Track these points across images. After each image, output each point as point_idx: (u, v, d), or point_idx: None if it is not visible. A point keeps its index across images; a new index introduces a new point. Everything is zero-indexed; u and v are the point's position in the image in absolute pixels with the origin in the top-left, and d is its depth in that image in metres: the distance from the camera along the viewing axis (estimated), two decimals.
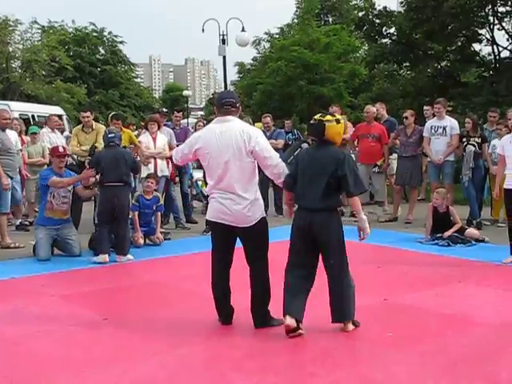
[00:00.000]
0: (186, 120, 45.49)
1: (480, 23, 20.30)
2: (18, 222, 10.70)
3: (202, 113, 71.70)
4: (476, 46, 21.40)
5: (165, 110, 12.64)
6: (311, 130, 5.31)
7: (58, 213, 8.67)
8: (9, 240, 9.36)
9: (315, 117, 5.27)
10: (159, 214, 9.61)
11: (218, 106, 5.35)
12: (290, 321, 5.08)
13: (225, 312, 5.54)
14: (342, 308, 5.18)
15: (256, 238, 5.32)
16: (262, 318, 5.40)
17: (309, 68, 23.59)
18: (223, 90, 23.63)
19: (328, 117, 5.23)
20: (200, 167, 11.29)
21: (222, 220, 5.29)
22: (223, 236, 5.38)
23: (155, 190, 9.66)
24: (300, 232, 5.16)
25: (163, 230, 9.94)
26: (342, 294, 5.15)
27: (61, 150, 8.84)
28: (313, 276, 5.21)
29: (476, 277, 7.20)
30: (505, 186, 7.86)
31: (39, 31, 40.20)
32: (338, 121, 5.21)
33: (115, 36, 50.16)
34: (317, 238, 5.09)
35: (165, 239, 9.63)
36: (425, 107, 12.36)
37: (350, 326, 5.21)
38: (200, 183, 12.40)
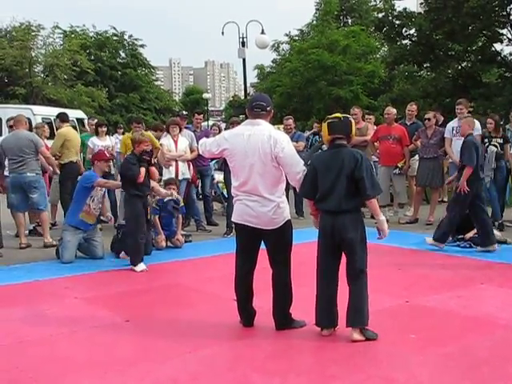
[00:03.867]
0: (205, 123, 45.73)
1: (501, 23, 20.17)
2: (31, 227, 10.66)
3: (222, 116, 71.97)
4: (497, 46, 21.29)
5: (185, 112, 12.69)
6: (339, 127, 5.18)
7: (92, 217, 8.76)
8: (50, 239, 9.49)
9: (335, 115, 5.28)
10: (180, 216, 9.64)
11: (249, 108, 5.38)
12: (327, 332, 5.21)
13: (247, 314, 5.56)
14: (360, 312, 5.06)
15: (280, 240, 5.34)
16: (283, 320, 5.42)
17: (327, 69, 23.55)
18: (243, 92, 23.66)
19: (336, 115, 5.30)
20: (221, 169, 11.35)
21: (248, 222, 5.32)
22: (248, 238, 5.40)
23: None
24: (325, 235, 5.17)
25: (184, 233, 9.97)
26: (361, 295, 5.10)
27: (107, 154, 8.99)
28: (337, 280, 5.21)
29: (498, 279, 7.15)
30: None
31: (61, 36, 40.64)
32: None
33: (135, 39, 50.49)
34: (340, 241, 5.09)
35: (186, 241, 9.67)
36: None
37: (360, 336, 5.03)
38: (221, 185, 12.45)
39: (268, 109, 5.34)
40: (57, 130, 11.72)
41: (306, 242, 6.50)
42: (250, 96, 24.04)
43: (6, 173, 9.84)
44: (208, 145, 5.60)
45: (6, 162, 9.75)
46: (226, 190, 12.80)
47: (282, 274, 5.38)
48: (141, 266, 7.92)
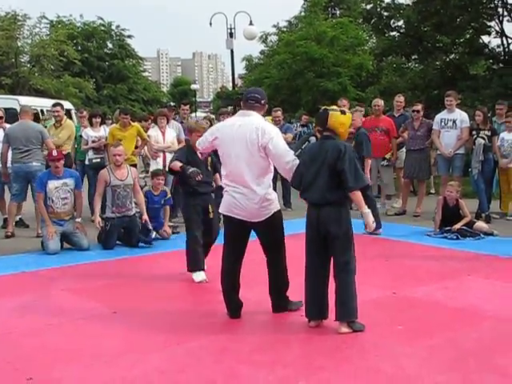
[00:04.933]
0: (193, 114, 45.61)
1: (489, 15, 20.15)
2: (17, 218, 10.55)
3: (210, 108, 71.83)
4: (485, 39, 21.28)
5: (172, 104, 12.64)
6: (318, 119, 5.34)
7: (62, 214, 8.77)
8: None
9: (323, 107, 5.34)
10: (167, 207, 9.63)
11: (244, 100, 5.50)
12: (314, 323, 5.22)
13: (234, 305, 5.58)
14: (345, 305, 5.05)
15: (270, 231, 5.42)
16: (280, 302, 5.58)
17: (315, 61, 23.52)
18: (231, 83, 23.63)
19: (334, 107, 5.34)
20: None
21: (235, 214, 5.36)
22: (235, 230, 5.44)
23: (164, 185, 9.68)
24: (311, 227, 5.17)
25: (171, 224, 9.95)
26: (346, 289, 5.05)
27: (54, 153, 8.82)
28: (328, 271, 5.19)
29: (485, 270, 7.18)
30: None
31: (47, 26, 40.31)
32: (343, 112, 5.23)
33: (123, 30, 50.30)
34: (326, 233, 5.07)
35: (173, 233, 9.65)
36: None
37: (347, 329, 5.03)
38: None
39: (262, 102, 5.44)
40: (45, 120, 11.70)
41: (294, 233, 6.51)
42: (239, 88, 23.99)
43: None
44: (203, 137, 5.74)
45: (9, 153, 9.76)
46: None
47: (276, 260, 5.50)
48: (198, 276, 6.82)
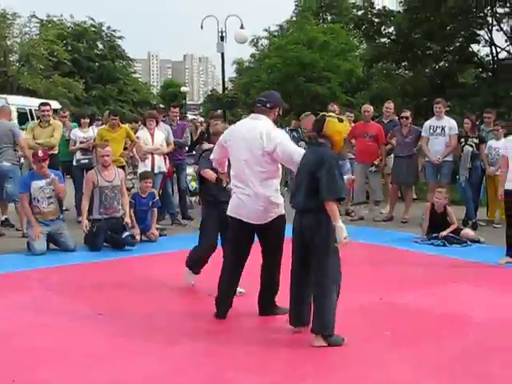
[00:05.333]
0: (187, 116, 45.54)
1: (478, 24, 20.28)
2: (3, 218, 10.44)
3: (200, 110, 71.70)
4: (474, 47, 21.38)
5: (162, 106, 12.61)
6: (314, 123, 5.30)
7: (48, 215, 8.72)
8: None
9: (322, 113, 5.34)
10: (155, 210, 9.60)
11: (254, 103, 5.63)
12: (297, 330, 5.19)
13: (224, 307, 5.59)
14: (319, 318, 4.93)
15: (270, 235, 5.46)
16: (267, 307, 5.60)
17: (306, 66, 23.56)
18: (221, 86, 23.63)
19: (332, 113, 5.34)
20: (196, 163, 11.29)
21: (239, 216, 5.42)
22: (239, 231, 5.48)
23: (152, 187, 9.65)
24: (295, 234, 5.15)
25: (159, 227, 9.92)
26: (322, 300, 4.92)
27: (40, 154, 8.74)
28: (308, 279, 5.11)
29: (471, 277, 7.20)
30: (506, 187, 7.85)
31: (37, 25, 40.07)
32: (340, 120, 5.19)
33: (114, 31, 50.10)
34: (308, 240, 5.01)
35: (160, 235, 9.62)
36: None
37: (321, 342, 4.89)
38: (189, 178, 12.46)
39: (268, 105, 5.44)
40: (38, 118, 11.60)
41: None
42: (229, 91, 23.98)
43: None
44: (215, 147, 5.82)
45: None
46: (194, 183, 12.80)
47: (271, 264, 5.53)
48: (189, 277, 6.77)
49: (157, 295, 6.48)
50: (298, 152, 5.24)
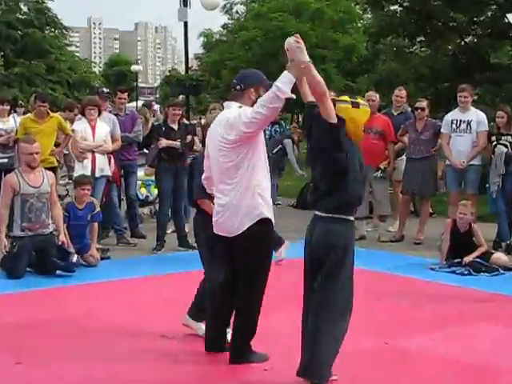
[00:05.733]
0: (133, 103, 45.46)
1: None
2: None
3: (155, 95, 71.68)
4: (511, 17, 21.57)
5: (106, 90, 12.61)
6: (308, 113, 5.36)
7: None
8: None
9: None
10: (95, 225, 9.58)
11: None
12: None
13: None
14: (310, 361, 4.99)
15: (243, 252, 5.53)
16: (238, 351, 5.63)
17: None
18: (183, 65, 23.64)
19: (344, 97, 5.32)
20: (152, 165, 11.29)
21: (216, 228, 5.62)
22: (218, 248, 5.68)
23: (91, 195, 9.63)
24: (306, 249, 5.25)
25: (100, 247, 9.90)
26: (319, 339, 4.99)
27: None
28: None
29: (504, 316, 7.26)
30: None
31: None
32: (355, 104, 5.22)
33: None
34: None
35: (102, 258, 9.60)
36: None
37: None
38: (139, 183, 12.49)
39: (238, 87, 5.62)
40: None
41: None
42: (194, 71, 23.99)
43: None
44: (205, 158, 5.88)
45: None
46: (145, 190, 12.80)
47: (245, 297, 5.59)
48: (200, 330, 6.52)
49: (94, 336, 6.45)
50: (256, 109, 5.29)
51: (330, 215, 5.07)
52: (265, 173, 5.58)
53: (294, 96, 5.23)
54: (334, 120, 4.92)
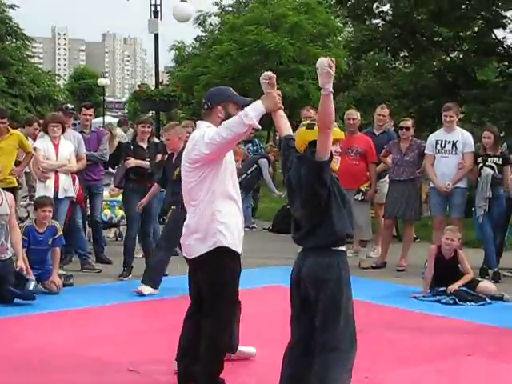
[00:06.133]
0: (100, 119, 45.34)
1: (505, 2, 20.61)
2: None
3: (123, 110, 71.65)
4: (498, 33, 21.77)
5: (70, 106, 12.56)
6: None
7: None
8: None
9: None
10: (57, 249, 9.51)
11: None
12: None
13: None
14: None
15: (202, 276, 5.65)
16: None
17: (270, 55, 23.70)
18: (154, 77, 23.62)
19: (304, 122, 5.48)
20: (119, 186, 11.26)
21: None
22: (189, 273, 5.85)
23: (54, 218, 9.57)
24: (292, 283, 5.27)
25: (63, 273, 9.83)
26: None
27: None
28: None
29: (491, 348, 7.26)
30: None
31: None
32: (311, 126, 5.20)
33: None
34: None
35: (64, 285, 9.52)
36: None
37: None
38: (103, 204, 12.47)
39: (205, 106, 5.78)
40: None
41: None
42: (164, 86, 23.95)
43: None
44: None
45: None
46: (109, 211, 12.78)
47: (209, 325, 5.61)
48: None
49: (55, 372, 6.37)
50: (223, 131, 5.39)
51: (319, 248, 5.06)
52: (230, 201, 5.65)
53: (259, 126, 5.34)
54: (326, 156, 4.91)
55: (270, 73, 5.44)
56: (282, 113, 5.43)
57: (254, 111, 5.25)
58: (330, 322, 5.03)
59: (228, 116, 5.63)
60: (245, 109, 5.30)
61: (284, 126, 5.47)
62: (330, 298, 5.04)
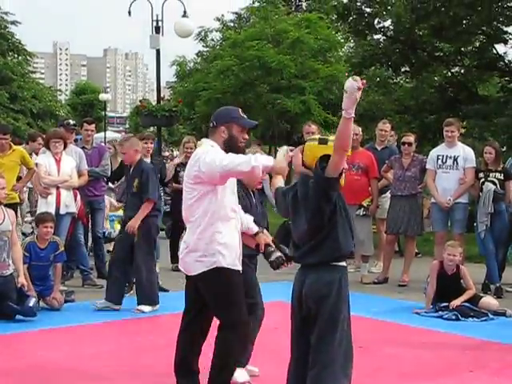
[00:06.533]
0: (101, 134, 45.41)
1: (506, 17, 20.67)
2: None
3: (125, 126, 71.77)
4: (500, 48, 21.83)
5: (72, 122, 12.59)
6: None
7: None
8: None
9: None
10: (59, 265, 9.51)
11: None
12: None
13: None
14: None
15: (204, 292, 5.72)
16: None
17: (271, 70, 23.73)
18: (155, 92, 23.63)
19: (315, 136, 5.51)
20: (120, 200, 11.27)
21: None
22: (187, 289, 5.89)
23: (55, 234, 9.58)
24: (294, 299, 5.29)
25: (64, 289, 9.83)
26: None
27: None
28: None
29: (493, 364, 7.24)
30: None
31: None
32: (323, 141, 5.20)
33: (5, 14, 49.78)
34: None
35: (66, 301, 9.52)
36: None
37: None
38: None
39: (211, 124, 5.85)
40: None
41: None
42: (166, 101, 23.93)
43: None
44: None
45: None
46: (108, 225, 12.82)
47: (221, 339, 5.70)
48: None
49: None
50: (224, 159, 5.45)
51: (322, 264, 5.08)
52: (230, 221, 5.71)
53: (261, 176, 5.49)
54: (336, 174, 4.93)
55: (290, 148, 5.40)
56: (280, 177, 5.59)
57: (263, 160, 5.33)
58: (325, 338, 5.07)
59: (231, 137, 5.72)
60: (257, 154, 5.38)
61: (277, 182, 5.64)
62: (329, 315, 5.06)
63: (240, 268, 5.73)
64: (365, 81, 4.84)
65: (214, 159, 5.43)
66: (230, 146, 5.70)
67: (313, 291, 5.06)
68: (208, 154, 5.56)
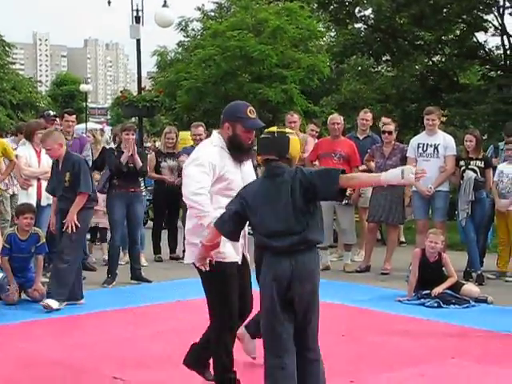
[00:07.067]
0: (82, 125, 45.23)
1: (486, 6, 20.71)
2: None
3: (106, 117, 71.53)
4: (480, 36, 21.87)
5: (52, 113, 12.53)
6: (272, 144, 5.31)
7: None
8: None
9: (272, 129, 5.41)
10: (41, 257, 9.49)
11: None
12: None
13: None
14: None
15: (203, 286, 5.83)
16: (195, 359, 6.03)
17: (252, 60, 23.69)
18: (136, 83, 23.57)
19: (289, 129, 5.57)
20: (102, 191, 11.23)
21: None
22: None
23: (36, 226, 9.54)
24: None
25: (46, 280, 9.79)
26: None
27: None
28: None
29: (475, 351, 7.28)
30: None
31: None
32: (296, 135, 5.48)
33: None
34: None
35: (48, 293, 9.49)
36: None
37: None
38: None
39: (221, 116, 5.87)
40: None
41: None
42: (147, 92, 23.84)
43: None
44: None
45: None
46: None
47: (210, 329, 5.88)
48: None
49: (38, 380, 6.36)
50: (193, 185, 5.58)
51: (310, 246, 5.16)
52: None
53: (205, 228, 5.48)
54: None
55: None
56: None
57: (209, 224, 5.38)
58: (314, 314, 5.30)
59: (235, 135, 5.70)
60: (214, 222, 5.26)
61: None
62: (314, 291, 5.18)
63: (235, 259, 5.78)
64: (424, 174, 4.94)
65: (187, 167, 5.75)
66: (233, 144, 5.71)
67: (306, 269, 5.10)
68: (191, 166, 5.70)
